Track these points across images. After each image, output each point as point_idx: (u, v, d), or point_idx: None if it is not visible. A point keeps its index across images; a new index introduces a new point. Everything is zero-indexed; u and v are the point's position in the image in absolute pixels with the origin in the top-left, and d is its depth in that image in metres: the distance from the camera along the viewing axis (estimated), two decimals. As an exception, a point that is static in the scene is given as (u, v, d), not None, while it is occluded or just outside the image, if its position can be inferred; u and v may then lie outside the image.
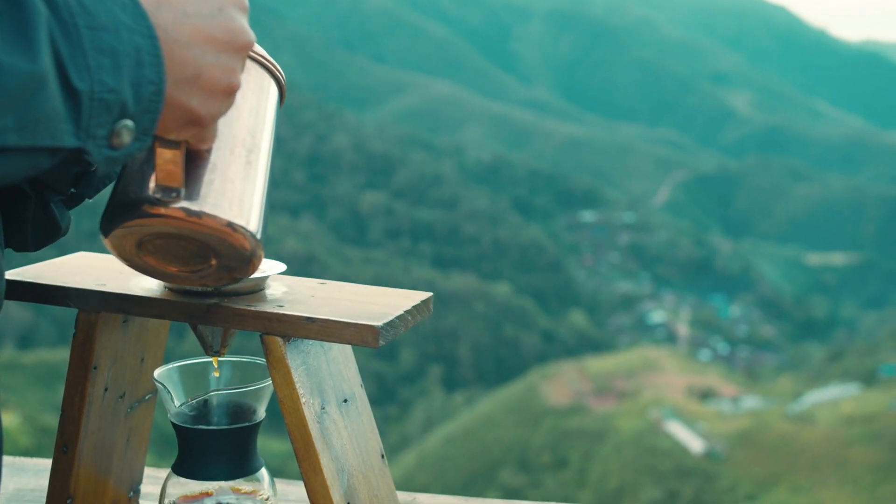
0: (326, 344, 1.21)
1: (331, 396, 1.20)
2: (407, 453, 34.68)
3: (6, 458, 1.57)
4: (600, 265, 62.04)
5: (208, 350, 1.24)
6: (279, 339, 1.12)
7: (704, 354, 48.91)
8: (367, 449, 1.25)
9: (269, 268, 1.23)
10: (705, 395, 37.83)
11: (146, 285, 1.21)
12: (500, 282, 49.40)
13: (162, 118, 0.80)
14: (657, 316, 55.27)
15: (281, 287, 1.23)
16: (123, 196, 0.88)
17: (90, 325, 1.18)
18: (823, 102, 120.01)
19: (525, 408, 36.13)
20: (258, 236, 0.92)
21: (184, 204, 0.86)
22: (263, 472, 1.26)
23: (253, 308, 1.13)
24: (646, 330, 53.58)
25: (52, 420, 23.35)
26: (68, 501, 1.21)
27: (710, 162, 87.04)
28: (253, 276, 1.18)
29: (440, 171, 61.76)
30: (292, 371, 1.13)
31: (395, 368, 40.90)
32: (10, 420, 18.77)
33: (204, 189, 0.87)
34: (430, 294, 1.24)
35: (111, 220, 0.89)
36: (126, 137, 0.75)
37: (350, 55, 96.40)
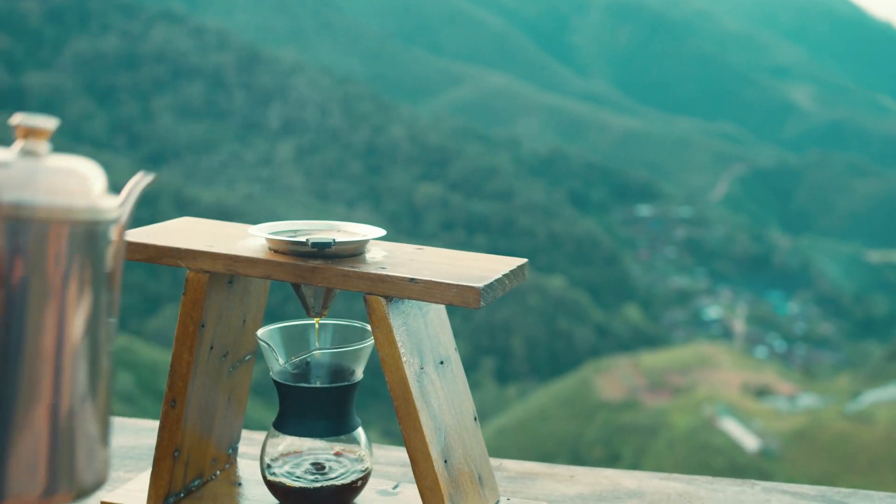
0: (425, 307, 1.25)
1: (429, 357, 1.23)
2: (459, 444, 34.68)
3: (106, 418, 1.63)
4: (656, 259, 61.54)
5: (310, 311, 1.28)
6: (382, 300, 1.16)
7: (761, 351, 48.35)
8: (462, 410, 1.29)
9: (368, 232, 1.27)
10: (761, 392, 37.42)
11: (252, 246, 1.26)
12: (555, 275, 49.26)
13: None
14: (713, 311, 54.71)
15: (380, 251, 1.27)
16: None
17: (199, 284, 1.23)
18: (887, 97, 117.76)
19: (578, 402, 36.00)
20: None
21: None
22: (360, 431, 1.30)
23: (357, 269, 1.17)
24: (701, 325, 53.06)
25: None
26: (175, 454, 1.26)
27: (769, 156, 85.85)
28: (353, 239, 1.22)
29: (495, 164, 61.65)
30: (394, 330, 1.17)
31: (448, 359, 40.91)
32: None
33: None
34: (525, 260, 1.27)
35: None
36: None
37: (407, 47, 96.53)
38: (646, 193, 66.62)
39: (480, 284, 1.13)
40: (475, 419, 1.32)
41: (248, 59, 59.56)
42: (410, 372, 1.17)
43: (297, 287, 1.26)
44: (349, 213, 47.77)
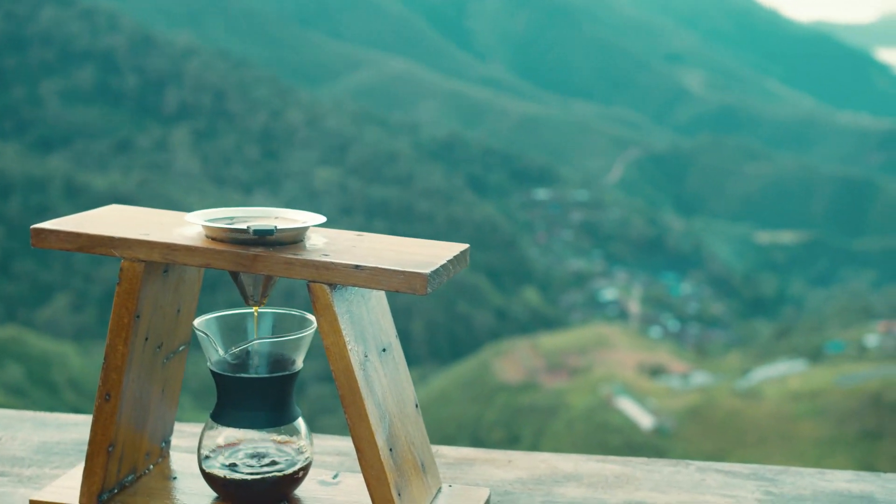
0: (367, 294, 1.23)
1: (372, 345, 1.22)
2: (362, 429, 34.53)
3: (28, 413, 1.58)
4: (553, 243, 62.19)
5: (248, 300, 1.26)
6: (326, 287, 1.14)
7: (655, 331, 49.24)
8: (404, 397, 1.28)
9: (308, 219, 1.25)
10: (655, 371, 38.11)
11: (189, 234, 1.22)
12: (455, 259, 49.24)
13: None
14: (609, 293, 55.53)
15: (321, 238, 1.25)
16: None
17: (135, 273, 1.19)
18: (776, 82, 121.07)
19: (478, 385, 36.26)
20: None
21: None
22: (300, 422, 1.28)
23: (300, 256, 1.15)
24: (598, 307, 53.80)
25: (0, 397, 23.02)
26: (109, 449, 1.22)
27: (663, 140, 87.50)
28: (295, 226, 1.20)
29: (395, 149, 61.54)
30: (339, 318, 1.15)
31: (349, 345, 40.66)
32: (-38, 396, 18.55)
33: None
34: (468, 246, 1.27)
35: None
36: None
37: (305, 30, 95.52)
38: (543, 177, 67.30)
39: (427, 270, 1.12)
40: (416, 407, 1.32)
41: (141, 41, 58.20)
42: (355, 360, 1.16)
43: (235, 275, 1.23)
44: (246, 199, 47.19)
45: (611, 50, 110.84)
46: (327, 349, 1.15)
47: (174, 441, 1.46)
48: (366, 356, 1.18)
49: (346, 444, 1.49)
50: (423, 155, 64.44)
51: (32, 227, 1.20)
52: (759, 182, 78.86)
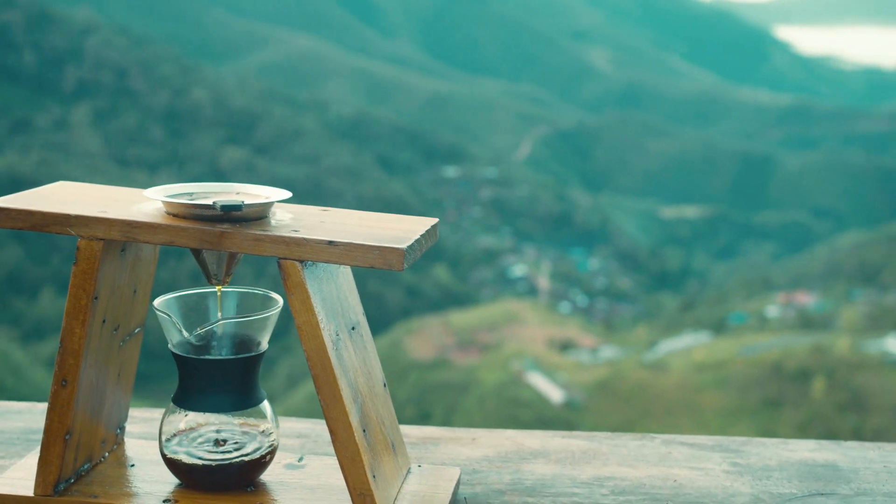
0: (335, 270, 1.19)
1: (342, 323, 1.18)
2: (273, 410, 34.26)
3: (-34, 402, 1.50)
4: (463, 220, 62.38)
5: (211, 278, 1.21)
6: (297, 264, 1.10)
7: (564, 307, 49.77)
8: (373, 376, 1.25)
9: (272, 194, 1.21)
10: (565, 346, 38.54)
11: (148, 211, 1.17)
12: (365, 237, 49.00)
13: None
14: (518, 270, 55.94)
15: (286, 213, 1.21)
16: None
17: (92, 253, 1.13)
18: (678, 59, 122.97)
19: (390, 362, 36.22)
20: None
21: None
22: (266, 404, 1.24)
23: (269, 232, 1.11)
24: (507, 283, 54.15)
25: None
26: (67, 437, 1.17)
27: (570, 117, 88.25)
28: (261, 201, 1.15)
29: (302, 127, 60.95)
30: (311, 296, 1.11)
31: (259, 325, 40.22)
32: None
33: None
34: (437, 220, 1.24)
35: None
36: None
37: (208, 6, 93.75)
38: (452, 155, 67.40)
39: (403, 245, 1.09)
40: (385, 386, 1.28)
41: (38, 17, 56.47)
42: (328, 339, 1.12)
43: (197, 253, 1.18)
44: (151, 180, 46.26)
45: (517, 27, 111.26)
46: (299, 328, 1.11)
47: (128, 427, 1.40)
48: (337, 335, 1.15)
49: (306, 426, 1.45)
50: (331, 133, 63.97)
51: (-19, 204, 1.13)
52: (663, 158, 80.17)
